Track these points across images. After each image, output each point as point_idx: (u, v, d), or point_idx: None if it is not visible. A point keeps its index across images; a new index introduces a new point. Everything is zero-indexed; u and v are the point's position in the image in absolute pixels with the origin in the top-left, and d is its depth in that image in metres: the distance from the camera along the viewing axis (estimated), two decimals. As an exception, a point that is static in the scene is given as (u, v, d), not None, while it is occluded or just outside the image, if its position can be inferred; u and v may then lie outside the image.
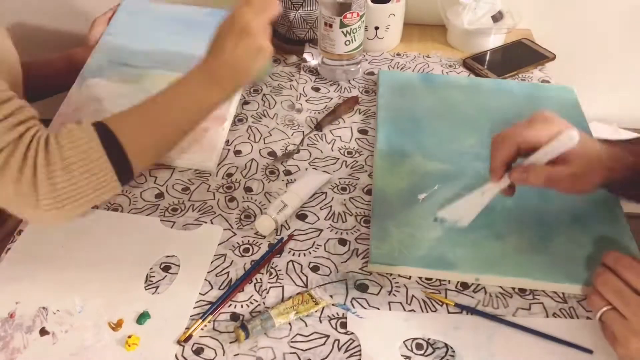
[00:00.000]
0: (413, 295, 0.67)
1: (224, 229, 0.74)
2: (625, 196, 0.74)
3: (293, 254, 0.72)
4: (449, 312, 0.65)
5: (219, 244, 0.73)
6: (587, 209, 0.74)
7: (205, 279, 0.68)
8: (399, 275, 0.69)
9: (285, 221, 0.75)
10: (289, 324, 0.64)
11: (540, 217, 0.74)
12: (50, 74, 0.97)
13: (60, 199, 0.62)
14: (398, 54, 1.07)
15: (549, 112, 0.63)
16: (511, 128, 0.63)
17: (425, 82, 0.96)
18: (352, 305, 0.66)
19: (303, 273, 0.69)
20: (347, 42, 0.95)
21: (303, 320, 0.64)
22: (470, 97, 0.93)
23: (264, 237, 0.73)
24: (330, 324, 0.64)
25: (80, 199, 0.64)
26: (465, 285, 0.68)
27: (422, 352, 0.62)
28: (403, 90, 0.94)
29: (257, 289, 0.68)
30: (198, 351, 0.62)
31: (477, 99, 0.93)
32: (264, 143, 0.88)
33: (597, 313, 0.60)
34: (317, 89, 0.99)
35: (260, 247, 0.72)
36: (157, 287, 0.68)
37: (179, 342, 0.62)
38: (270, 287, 0.68)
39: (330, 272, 0.69)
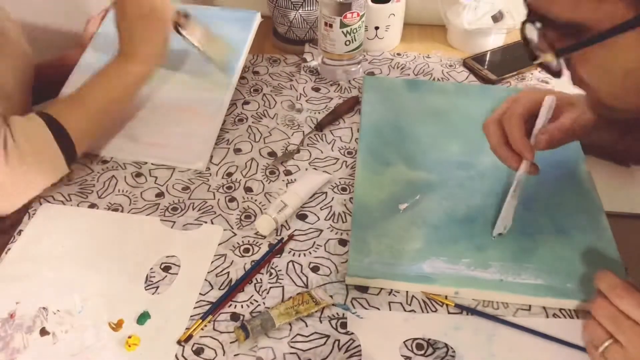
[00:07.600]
0: (413, 296, 0.67)
1: (224, 229, 0.74)
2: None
3: (293, 254, 0.72)
4: (449, 313, 0.65)
5: (219, 244, 0.73)
6: (571, 220, 0.73)
7: (205, 279, 0.68)
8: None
9: (285, 221, 0.75)
10: (289, 324, 0.64)
11: (522, 228, 0.72)
12: (49, 75, 0.97)
13: (16, 192, 0.71)
14: (398, 54, 1.07)
15: (513, 96, 0.69)
16: (502, 111, 0.69)
17: (410, 88, 0.95)
18: (352, 305, 0.66)
19: (303, 273, 0.69)
20: (347, 42, 0.95)
21: (303, 321, 0.64)
22: (455, 103, 0.91)
23: (264, 237, 0.73)
24: (331, 324, 0.64)
25: (30, 189, 0.73)
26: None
27: (422, 352, 0.62)
28: (388, 96, 0.93)
29: (257, 289, 0.68)
30: (198, 351, 0.62)
31: (463, 105, 0.91)
32: (264, 143, 0.88)
33: (600, 348, 0.57)
34: (317, 89, 0.99)
35: (260, 247, 0.72)
36: (157, 287, 0.68)
37: (179, 342, 0.62)
38: (270, 287, 0.68)
39: (330, 272, 0.69)
